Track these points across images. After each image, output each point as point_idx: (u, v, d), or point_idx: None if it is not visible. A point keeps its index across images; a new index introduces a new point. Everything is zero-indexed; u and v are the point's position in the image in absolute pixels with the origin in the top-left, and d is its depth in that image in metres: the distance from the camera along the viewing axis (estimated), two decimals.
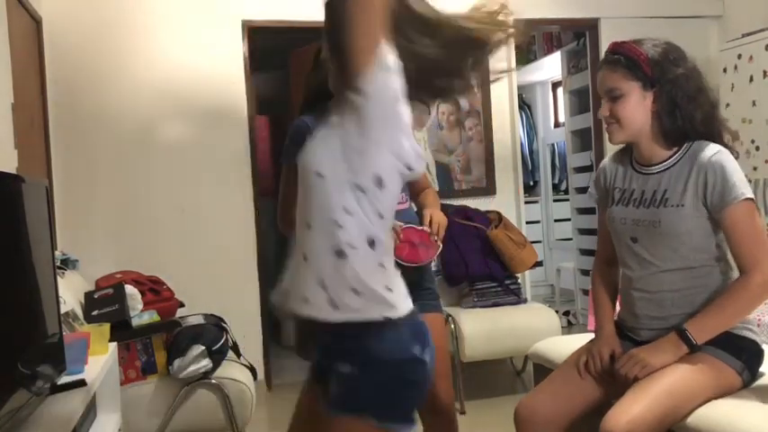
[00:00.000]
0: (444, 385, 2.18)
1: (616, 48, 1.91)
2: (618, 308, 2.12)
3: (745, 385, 1.86)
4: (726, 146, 1.89)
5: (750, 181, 4.50)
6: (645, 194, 1.93)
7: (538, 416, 1.87)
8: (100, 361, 2.12)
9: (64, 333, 2.03)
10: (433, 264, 2.34)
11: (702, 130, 1.88)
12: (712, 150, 1.84)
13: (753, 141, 4.28)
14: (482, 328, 3.67)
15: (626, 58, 1.87)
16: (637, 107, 1.87)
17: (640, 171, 1.96)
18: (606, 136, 5.18)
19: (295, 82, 4.87)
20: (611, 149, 4.77)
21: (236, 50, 4.19)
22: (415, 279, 2.17)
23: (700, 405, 1.77)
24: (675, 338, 1.82)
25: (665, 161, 1.91)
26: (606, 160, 2.13)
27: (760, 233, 1.82)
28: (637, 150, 1.97)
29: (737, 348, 1.85)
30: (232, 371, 2.90)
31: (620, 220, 1.98)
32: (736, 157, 1.88)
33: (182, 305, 3.28)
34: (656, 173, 1.92)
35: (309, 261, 1.34)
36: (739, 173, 1.82)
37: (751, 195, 1.80)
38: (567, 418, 1.88)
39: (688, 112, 1.86)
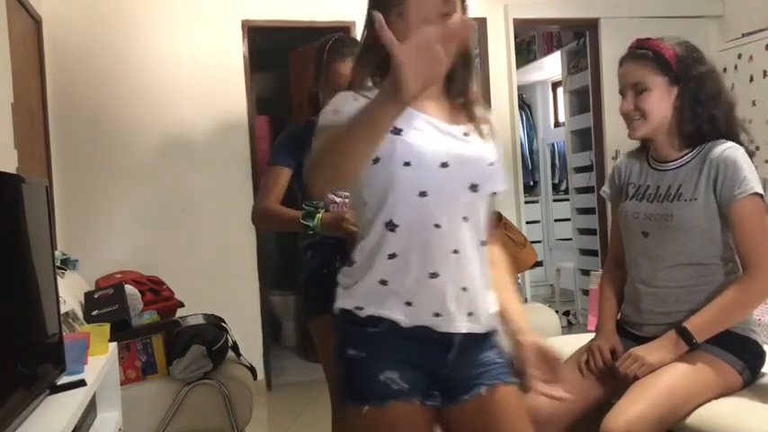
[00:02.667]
0: None
1: (642, 43, 1.93)
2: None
3: (746, 385, 1.86)
4: (744, 146, 1.91)
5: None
6: (659, 190, 1.94)
7: (539, 416, 1.86)
8: (100, 361, 2.11)
9: (64, 333, 2.03)
10: None
11: (723, 130, 1.90)
12: (725, 146, 1.86)
13: (752, 141, 4.27)
14: None
15: (653, 52, 1.89)
16: (661, 101, 1.89)
17: (656, 167, 1.98)
18: (606, 136, 5.16)
19: (295, 82, 4.87)
20: (611, 149, 4.81)
21: (235, 50, 4.19)
22: None
23: (700, 405, 1.77)
24: (675, 336, 1.82)
25: (681, 158, 1.93)
26: (621, 158, 2.15)
27: (766, 230, 1.82)
28: (654, 147, 1.99)
29: (739, 348, 1.85)
30: (232, 371, 2.90)
31: (633, 215, 1.99)
32: (752, 156, 1.90)
33: (182, 305, 3.27)
34: (672, 169, 1.93)
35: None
36: (751, 168, 1.83)
37: (761, 191, 1.81)
38: (568, 418, 1.88)
39: (710, 110, 1.89)
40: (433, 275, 1.32)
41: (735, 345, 1.84)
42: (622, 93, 1.97)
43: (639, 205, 1.98)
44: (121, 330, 2.69)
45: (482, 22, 4.58)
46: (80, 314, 2.74)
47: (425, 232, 1.32)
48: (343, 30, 4.19)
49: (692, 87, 1.88)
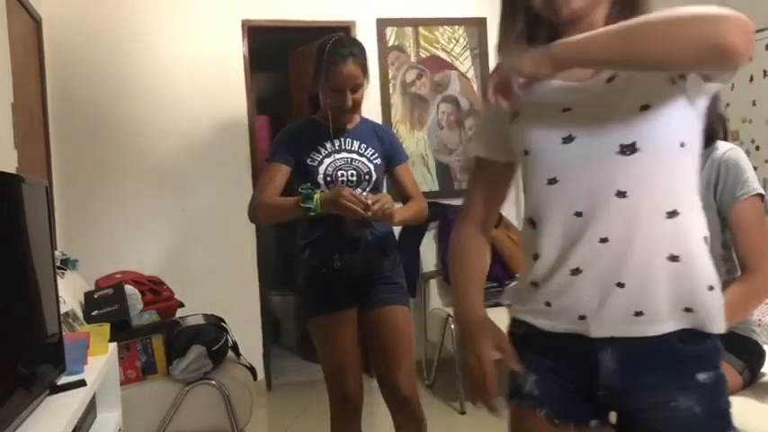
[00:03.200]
0: (403, 376, 2.28)
1: None
2: None
3: (746, 385, 1.86)
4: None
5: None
6: None
7: None
8: (100, 361, 2.12)
9: (64, 333, 2.03)
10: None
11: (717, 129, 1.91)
12: (726, 147, 1.86)
13: (753, 141, 4.28)
14: None
15: None
16: None
17: None
18: None
19: (295, 82, 4.87)
20: None
21: (235, 50, 4.19)
22: (382, 271, 2.33)
23: None
24: None
25: None
26: None
27: (766, 232, 1.82)
28: None
29: (739, 348, 1.84)
30: (232, 371, 2.90)
31: None
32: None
33: (182, 305, 3.27)
34: None
35: None
36: (752, 169, 1.84)
37: (762, 191, 1.81)
38: None
39: (713, 109, 1.89)
40: (575, 272, 1.12)
41: (735, 345, 1.84)
42: None
43: None
44: (121, 330, 2.69)
45: (482, 22, 4.58)
46: (80, 314, 2.74)
47: (564, 224, 1.13)
48: (343, 30, 4.19)
49: None
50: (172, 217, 4.11)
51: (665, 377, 1.12)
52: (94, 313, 2.79)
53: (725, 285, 1.85)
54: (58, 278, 2.15)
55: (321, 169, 2.29)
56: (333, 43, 2.26)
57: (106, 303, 2.84)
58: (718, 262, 1.87)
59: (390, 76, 4.44)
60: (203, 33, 4.14)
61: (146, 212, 4.08)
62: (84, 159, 3.98)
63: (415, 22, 4.48)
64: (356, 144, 2.35)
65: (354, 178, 2.31)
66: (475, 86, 4.58)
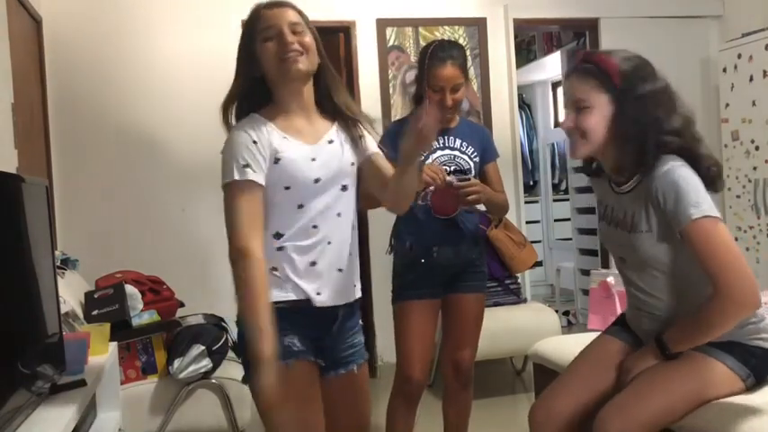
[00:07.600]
0: (468, 355, 2.61)
1: (588, 57, 1.81)
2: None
3: (748, 390, 1.83)
4: (708, 162, 1.76)
5: (750, 181, 4.44)
6: (618, 215, 1.85)
7: (552, 418, 1.85)
8: (100, 361, 2.12)
9: (64, 333, 2.03)
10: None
11: (673, 148, 1.75)
12: (664, 167, 1.71)
13: (752, 141, 4.28)
14: (482, 328, 3.66)
15: (598, 68, 1.76)
16: (603, 120, 1.77)
17: (615, 190, 1.88)
18: None
19: None
20: None
21: (235, 50, 4.18)
22: (473, 260, 2.57)
23: (698, 406, 1.75)
24: (654, 347, 1.82)
25: (630, 182, 1.81)
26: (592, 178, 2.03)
27: (721, 253, 1.67)
28: (606, 167, 1.88)
29: (746, 356, 1.78)
30: (232, 371, 2.89)
31: (607, 237, 1.94)
32: (716, 176, 1.75)
33: (182, 305, 3.27)
34: (624, 193, 1.83)
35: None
36: (692, 189, 1.68)
37: (703, 213, 1.66)
38: (580, 417, 1.86)
39: (655, 128, 1.74)
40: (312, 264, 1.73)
41: (743, 353, 1.79)
42: (566, 108, 1.84)
43: (609, 229, 1.89)
44: (121, 330, 2.69)
45: (482, 22, 4.59)
46: (80, 314, 2.74)
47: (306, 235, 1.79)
48: (343, 30, 4.19)
49: (634, 105, 1.73)
50: (172, 217, 4.11)
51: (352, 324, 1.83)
52: (94, 313, 2.80)
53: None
54: (58, 278, 2.15)
55: (427, 163, 2.43)
56: (434, 47, 2.44)
57: (106, 303, 2.84)
58: (705, 280, 1.73)
59: (390, 76, 4.44)
60: (203, 33, 4.14)
61: (146, 212, 4.07)
62: (85, 159, 3.98)
63: (415, 23, 4.48)
64: (458, 142, 2.51)
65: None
66: (475, 86, 4.58)
